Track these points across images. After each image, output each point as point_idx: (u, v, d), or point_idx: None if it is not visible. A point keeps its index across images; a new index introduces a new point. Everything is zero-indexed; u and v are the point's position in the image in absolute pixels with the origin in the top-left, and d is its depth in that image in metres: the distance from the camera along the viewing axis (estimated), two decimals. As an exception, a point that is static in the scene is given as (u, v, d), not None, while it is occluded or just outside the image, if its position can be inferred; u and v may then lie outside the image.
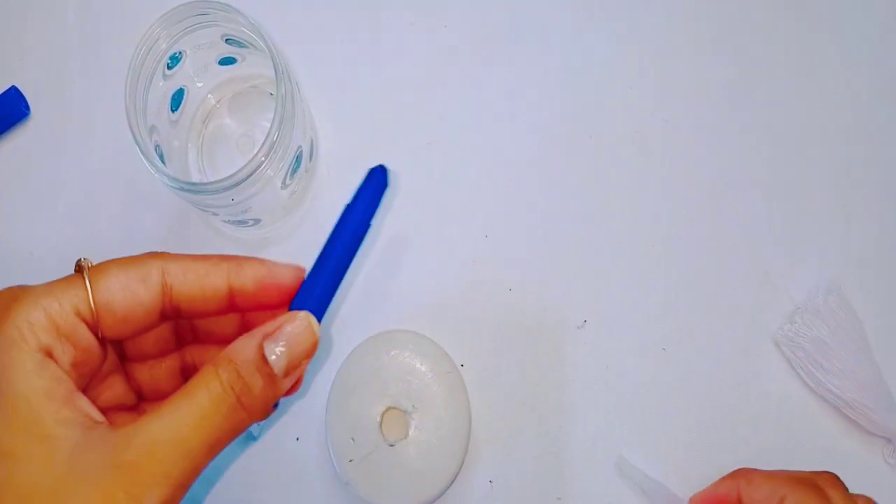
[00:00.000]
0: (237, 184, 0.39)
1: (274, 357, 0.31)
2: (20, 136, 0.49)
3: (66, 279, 0.31)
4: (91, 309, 0.31)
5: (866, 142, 0.48)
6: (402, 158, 0.48)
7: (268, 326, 0.31)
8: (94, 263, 0.32)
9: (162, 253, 0.33)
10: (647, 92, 0.48)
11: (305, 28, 0.49)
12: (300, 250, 0.47)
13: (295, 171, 0.44)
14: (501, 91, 0.49)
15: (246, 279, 0.33)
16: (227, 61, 0.45)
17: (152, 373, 0.35)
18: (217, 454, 0.30)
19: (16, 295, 0.30)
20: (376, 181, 0.35)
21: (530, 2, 0.49)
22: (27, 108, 0.49)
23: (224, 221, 0.46)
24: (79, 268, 0.32)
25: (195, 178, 0.47)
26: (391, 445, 0.42)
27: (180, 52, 0.43)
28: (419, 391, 0.43)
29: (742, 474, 0.41)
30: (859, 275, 0.46)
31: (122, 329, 0.32)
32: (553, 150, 0.48)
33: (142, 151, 0.39)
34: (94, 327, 0.31)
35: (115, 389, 0.34)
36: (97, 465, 0.28)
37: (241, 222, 0.45)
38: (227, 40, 0.43)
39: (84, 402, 0.29)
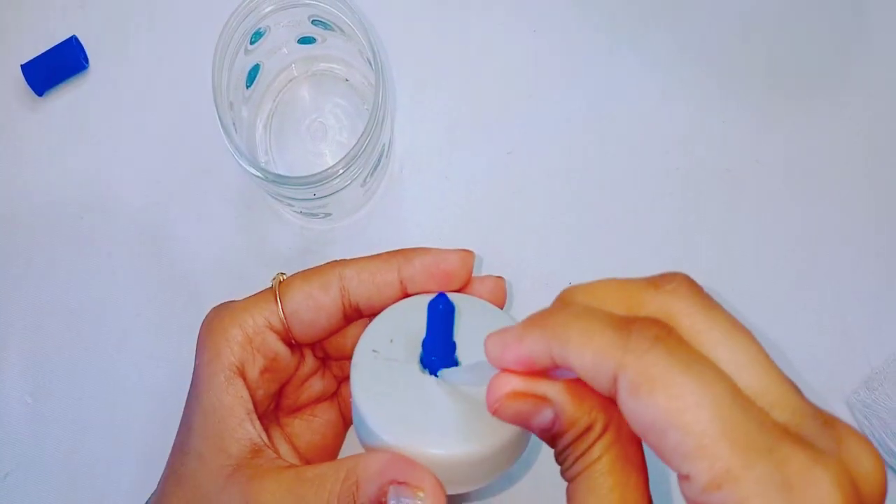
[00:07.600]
0: (323, 181, 0.38)
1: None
2: (77, 89, 0.47)
3: (261, 295, 0.35)
4: (281, 320, 0.34)
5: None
6: (481, 165, 0.45)
7: (404, 472, 0.29)
8: (287, 277, 0.35)
9: (340, 260, 0.36)
10: (739, 128, 0.46)
11: (389, 16, 0.47)
12: (367, 247, 0.45)
13: (375, 168, 0.42)
14: (590, 105, 0.46)
15: (415, 270, 0.35)
16: (307, 41, 0.44)
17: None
18: None
19: (221, 313, 0.34)
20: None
21: (626, 18, 0.47)
22: (86, 60, 0.47)
23: (295, 212, 0.44)
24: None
25: (261, 156, 0.45)
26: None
27: (265, 28, 0.41)
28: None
29: (556, 325, 0.25)
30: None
31: (311, 333, 0.35)
32: (638, 176, 0.45)
33: (228, 138, 0.38)
34: (285, 336, 0.35)
35: (315, 388, 0.39)
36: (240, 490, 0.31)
37: (312, 214, 0.43)
38: (313, 21, 0.42)
39: (254, 426, 0.33)
